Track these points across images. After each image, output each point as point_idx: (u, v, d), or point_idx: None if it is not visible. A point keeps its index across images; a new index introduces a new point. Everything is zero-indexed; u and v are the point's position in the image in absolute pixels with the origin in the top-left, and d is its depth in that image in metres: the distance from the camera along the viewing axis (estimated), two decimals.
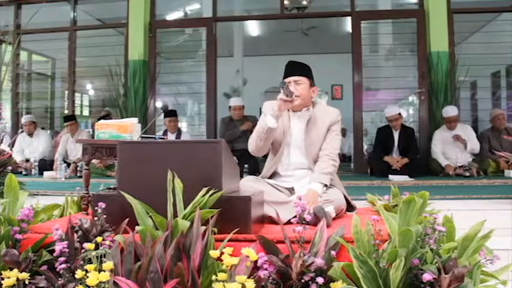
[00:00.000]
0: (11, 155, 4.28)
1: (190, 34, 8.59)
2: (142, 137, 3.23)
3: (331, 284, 1.86)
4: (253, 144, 2.95)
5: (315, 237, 2.04)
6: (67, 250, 2.02)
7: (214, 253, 1.85)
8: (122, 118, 6.47)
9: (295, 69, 3.01)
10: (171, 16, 8.89)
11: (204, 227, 1.95)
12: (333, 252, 1.95)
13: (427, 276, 1.74)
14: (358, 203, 3.19)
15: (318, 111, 3.04)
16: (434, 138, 6.59)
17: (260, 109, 3.09)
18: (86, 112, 11.76)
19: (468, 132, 6.55)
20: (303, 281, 1.86)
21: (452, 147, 6.49)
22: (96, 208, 2.17)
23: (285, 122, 3.01)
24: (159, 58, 8.01)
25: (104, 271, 1.79)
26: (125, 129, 3.12)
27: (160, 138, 3.36)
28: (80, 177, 6.21)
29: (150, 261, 1.79)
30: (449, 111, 6.50)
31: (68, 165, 6.78)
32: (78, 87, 9.08)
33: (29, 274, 1.99)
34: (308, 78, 3.00)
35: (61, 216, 2.95)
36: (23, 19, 8.52)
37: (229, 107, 7.03)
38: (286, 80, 2.92)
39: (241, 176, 3.07)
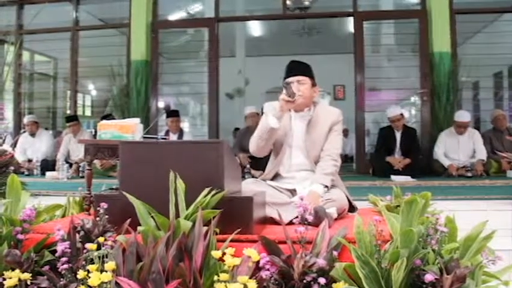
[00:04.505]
0: (13, 155, 4.28)
1: (192, 34, 8.60)
2: (144, 137, 3.23)
3: (333, 285, 1.86)
4: (255, 144, 2.94)
5: (317, 238, 2.04)
6: (69, 250, 2.02)
7: (216, 253, 1.85)
8: (124, 118, 6.48)
9: (298, 68, 2.99)
10: (174, 16, 8.90)
11: (206, 228, 1.95)
12: (335, 253, 1.95)
13: (429, 277, 1.74)
14: (360, 203, 3.19)
15: (319, 111, 3.02)
16: (439, 140, 6.55)
17: (262, 109, 3.08)
18: (88, 112, 11.77)
19: (476, 138, 6.49)
20: (304, 281, 1.86)
21: (456, 151, 6.48)
22: (98, 208, 2.17)
23: (287, 123, 2.99)
24: (161, 58, 8.01)
25: (106, 271, 1.80)
26: (127, 129, 3.12)
27: (163, 139, 3.36)
28: (82, 177, 6.20)
29: (152, 262, 1.80)
30: (463, 116, 6.40)
31: (70, 165, 6.78)
32: (81, 88, 9.09)
33: (30, 274, 1.99)
34: (310, 78, 2.99)
35: (63, 216, 2.96)
36: (25, 19, 8.52)
37: (245, 116, 7.03)
38: (289, 79, 2.91)
39: (243, 177, 3.06)
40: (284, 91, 2.79)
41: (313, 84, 3.01)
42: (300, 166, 3.00)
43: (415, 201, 1.96)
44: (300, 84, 2.91)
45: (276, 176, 3.06)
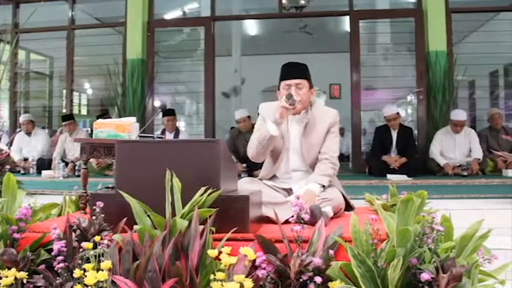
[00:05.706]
0: (9, 154, 4.28)
1: (188, 33, 8.58)
2: (140, 136, 3.23)
3: (329, 284, 1.86)
4: (254, 150, 2.89)
5: (313, 237, 2.04)
6: (65, 249, 2.02)
7: (212, 252, 1.85)
8: (120, 117, 6.47)
9: (296, 71, 2.94)
10: (169, 15, 8.88)
11: (202, 226, 1.95)
12: (331, 252, 1.95)
13: (425, 276, 1.74)
14: (356, 202, 3.19)
15: (316, 112, 2.98)
16: (435, 138, 6.57)
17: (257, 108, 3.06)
18: (84, 111, 11.75)
19: (472, 137, 6.51)
20: (301, 280, 1.86)
21: (452, 150, 6.49)
22: (94, 207, 2.17)
23: (284, 127, 2.93)
24: (157, 57, 8.00)
25: (102, 270, 1.80)
26: (123, 128, 3.11)
27: (159, 138, 3.35)
28: (78, 176, 6.17)
29: (148, 261, 1.79)
30: (459, 115, 6.41)
31: (66, 164, 6.77)
32: (76, 86, 9.06)
33: (26, 273, 1.99)
34: (308, 80, 2.94)
35: (59, 215, 2.95)
36: (21, 18, 8.50)
37: (236, 121, 6.98)
38: (287, 82, 2.88)
39: (240, 176, 3.06)
40: (284, 98, 2.74)
41: (311, 86, 2.97)
42: (296, 168, 2.99)
43: (411, 200, 1.97)
44: (298, 89, 2.86)
45: (272, 176, 3.05)
